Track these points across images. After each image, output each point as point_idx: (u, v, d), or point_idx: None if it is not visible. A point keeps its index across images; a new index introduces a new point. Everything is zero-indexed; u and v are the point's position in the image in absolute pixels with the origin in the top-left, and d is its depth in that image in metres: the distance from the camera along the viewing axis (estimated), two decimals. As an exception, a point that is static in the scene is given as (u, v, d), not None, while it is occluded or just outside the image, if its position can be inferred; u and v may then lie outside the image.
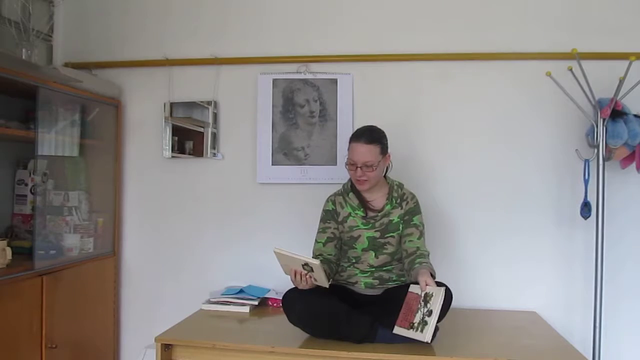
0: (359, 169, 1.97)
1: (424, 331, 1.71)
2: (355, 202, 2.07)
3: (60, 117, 2.31)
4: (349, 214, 2.07)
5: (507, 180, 2.40)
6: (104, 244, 2.53)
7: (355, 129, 2.07)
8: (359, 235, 2.05)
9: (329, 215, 2.11)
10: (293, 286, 1.91)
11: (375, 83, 2.48)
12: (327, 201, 2.14)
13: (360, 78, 2.49)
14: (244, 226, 2.55)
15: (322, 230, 2.10)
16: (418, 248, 1.98)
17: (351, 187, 2.10)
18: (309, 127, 2.51)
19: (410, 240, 2.01)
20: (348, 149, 2.04)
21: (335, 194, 2.15)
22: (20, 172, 2.36)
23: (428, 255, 1.96)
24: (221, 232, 2.57)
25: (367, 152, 1.96)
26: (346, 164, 2.03)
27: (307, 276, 1.82)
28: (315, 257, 2.05)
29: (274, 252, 1.84)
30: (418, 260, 1.91)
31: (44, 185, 2.29)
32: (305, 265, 1.80)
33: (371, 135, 1.99)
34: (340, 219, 2.09)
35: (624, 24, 2.33)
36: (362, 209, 2.06)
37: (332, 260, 2.05)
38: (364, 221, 2.06)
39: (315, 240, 2.10)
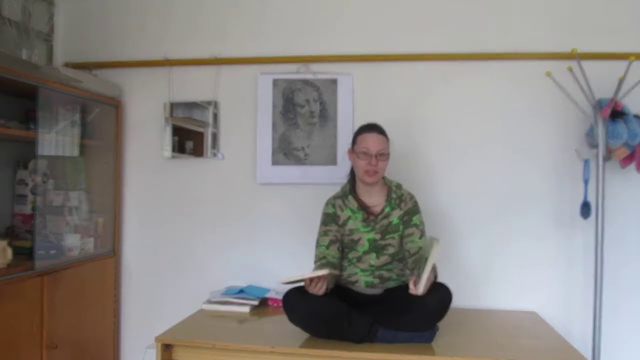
0: (373, 157, 1.98)
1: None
2: (354, 205, 2.07)
3: (61, 117, 2.31)
4: (349, 217, 2.07)
5: (507, 180, 2.40)
6: (104, 244, 2.53)
7: (361, 125, 2.09)
8: (360, 238, 2.05)
9: (329, 219, 2.10)
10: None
11: (375, 83, 2.48)
12: (327, 204, 2.13)
13: (360, 78, 2.49)
14: (244, 226, 2.55)
15: (324, 234, 2.09)
16: (420, 248, 1.99)
17: (350, 190, 2.10)
18: (309, 127, 2.51)
19: (412, 241, 2.02)
20: (356, 142, 2.05)
21: (334, 197, 2.14)
22: (20, 172, 2.36)
23: None
24: (221, 232, 2.57)
25: (381, 141, 2.01)
26: (355, 155, 2.03)
27: (322, 281, 1.80)
28: (319, 259, 2.04)
29: (282, 283, 1.85)
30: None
31: (44, 185, 2.29)
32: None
33: (382, 128, 2.06)
34: (340, 222, 2.08)
35: (624, 24, 2.33)
36: (361, 212, 2.06)
37: (336, 264, 2.04)
38: (364, 224, 2.05)
39: (318, 243, 2.08)
